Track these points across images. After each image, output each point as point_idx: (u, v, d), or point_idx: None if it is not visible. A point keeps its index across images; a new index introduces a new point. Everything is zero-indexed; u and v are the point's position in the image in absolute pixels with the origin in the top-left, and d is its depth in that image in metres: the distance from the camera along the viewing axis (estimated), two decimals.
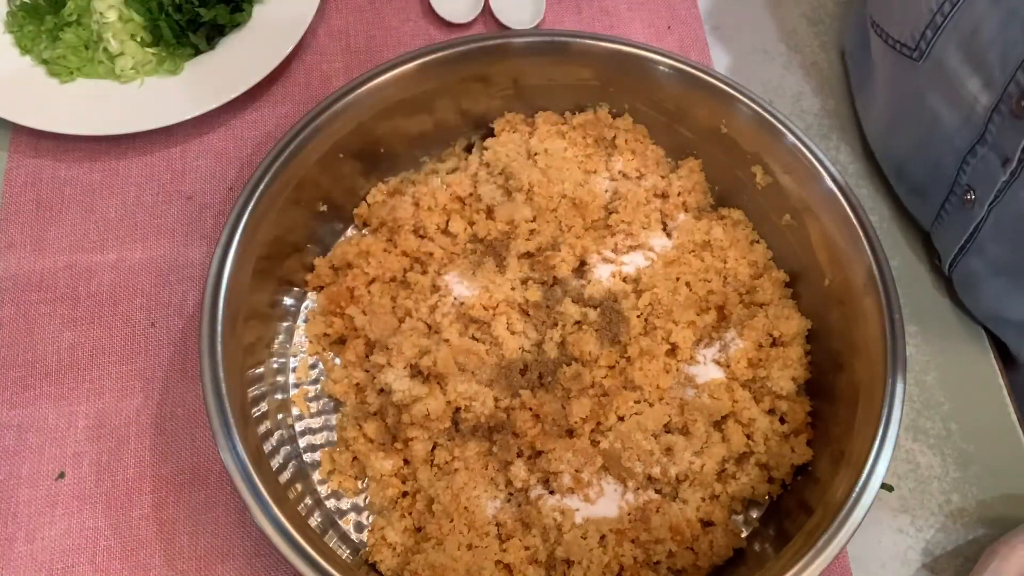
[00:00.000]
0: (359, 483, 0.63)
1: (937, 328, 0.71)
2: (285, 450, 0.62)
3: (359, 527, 0.62)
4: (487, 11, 0.82)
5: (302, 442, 0.64)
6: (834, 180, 0.63)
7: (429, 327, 0.64)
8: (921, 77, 0.66)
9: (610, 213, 0.69)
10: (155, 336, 0.67)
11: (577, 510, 0.60)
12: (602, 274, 0.67)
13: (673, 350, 0.64)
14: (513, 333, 0.64)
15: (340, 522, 0.61)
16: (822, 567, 0.52)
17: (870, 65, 0.75)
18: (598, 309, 0.65)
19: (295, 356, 0.67)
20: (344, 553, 0.59)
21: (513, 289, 0.65)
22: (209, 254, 0.59)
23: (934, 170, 0.69)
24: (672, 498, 0.61)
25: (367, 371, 0.64)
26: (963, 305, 0.71)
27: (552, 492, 0.61)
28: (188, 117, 0.72)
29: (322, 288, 0.68)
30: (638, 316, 0.64)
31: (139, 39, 0.74)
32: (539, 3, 0.81)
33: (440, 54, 0.67)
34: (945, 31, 0.62)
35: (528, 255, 0.67)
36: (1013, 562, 0.56)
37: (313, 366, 0.67)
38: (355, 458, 0.62)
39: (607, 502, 0.61)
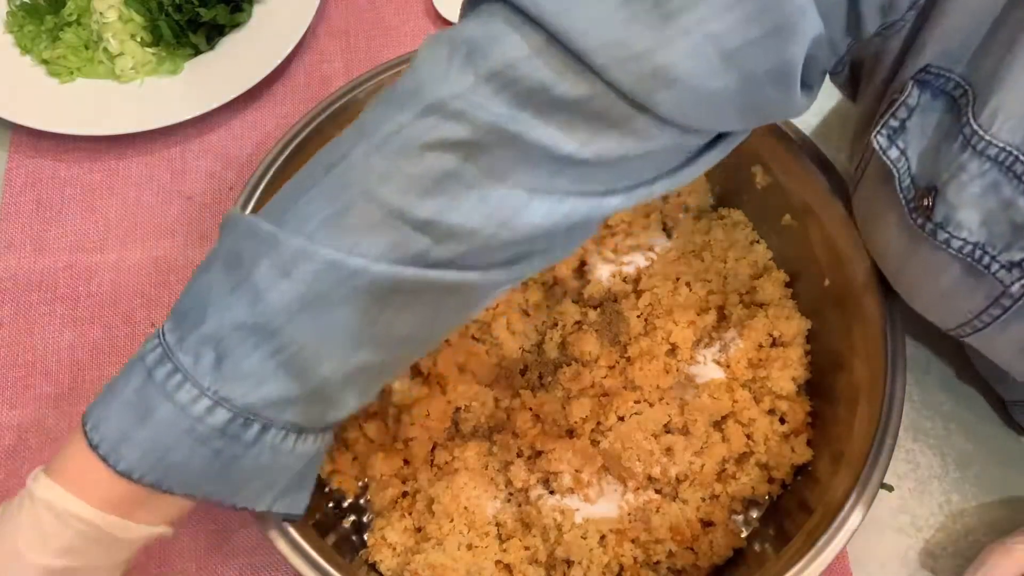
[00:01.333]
0: (359, 483, 0.63)
1: (937, 328, 0.71)
2: None
3: (359, 527, 0.62)
4: None
5: None
6: (834, 180, 0.63)
7: None
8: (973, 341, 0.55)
9: None
10: None
11: (577, 510, 0.60)
12: (602, 274, 0.67)
13: (673, 350, 0.64)
14: (513, 333, 0.64)
15: (340, 522, 0.61)
16: (822, 567, 0.52)
17: None
18: (598, 309, 0.65)
19: None
20: (344, 553, 0.59)
21: (513, 289, 0.65)
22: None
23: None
24: (672, 498, 0.61)
25: None
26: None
27: (552, 492, 0.61)
28: (188, 117, 0.72)
29: None
30: (638, 316, 0.64)
31: (139, 39, 0.74)
32: None
33: None
34: (990, 331, 0.51)
35: None
36: (1010, 564, 0.56)
37: None
38: (355, 458, 0.62)
39: (607, 502, 0.61)
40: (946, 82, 0.47)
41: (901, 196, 0.50)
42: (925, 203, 0.49)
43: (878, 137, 0.50)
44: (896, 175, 0.50)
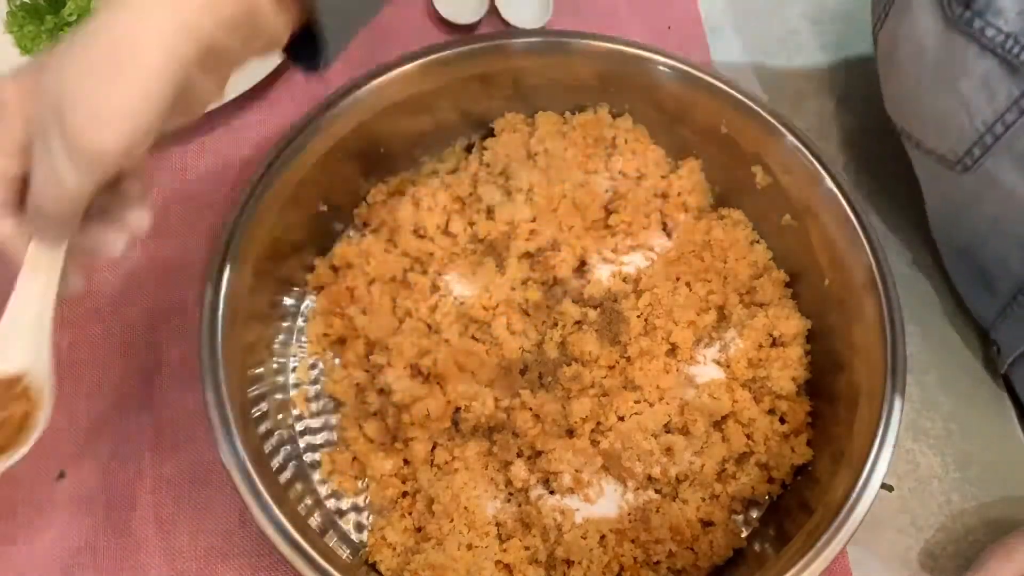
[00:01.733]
0: (359, 483, 0.63)
1: (937, 328, 0.71)
2: (285, 450, 0.62)
3: (359, 527, 0.62)
4: (491, 13, 0.82)
5: (302, 442, 0.64)
6: (834, 180, 0.63)
7: (429, 327, 0.64)
8: (970, 184, 0.59)
9: (610, 213, 0.69)
10: (155, 336, 0.67)
11: (577, 510, 0.60)
12: (602, 274, 0.67)
13: (673, 350, 0.64)
14: (513, 333, 0.64)
15: (340, 522, 0.61)
16: (822, 567, 0.52)
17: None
18: (598, 309, 0.65)
19: (295, 356, 0.67)
20: (344, 553, 0.59)
21: (513, 289, 0.65)
22: (209, 254, 0.59)
23: (1002, 264, 0.62)
24: (672, 498, 0.61)
25: (367, 371, 0.64)
26: (963, 305, 0.71)
27: (552, 492, 0.61)
28: None
29: (322, 288, 0.68)
30: (638, 316, 0.64)
31: None
32: (546, 2, 0.81)
33: (440, 54, 0.67)
34: (996, 149, 0.55)
35: (528, 255, 0.67)
36: (1010, 565, 0.56)
37: (313, 366, 0.66)
38: (355, 458, 0.62)
39: (607, 502, 0.61)
40: None
41: None
42: None
43: None
44: None
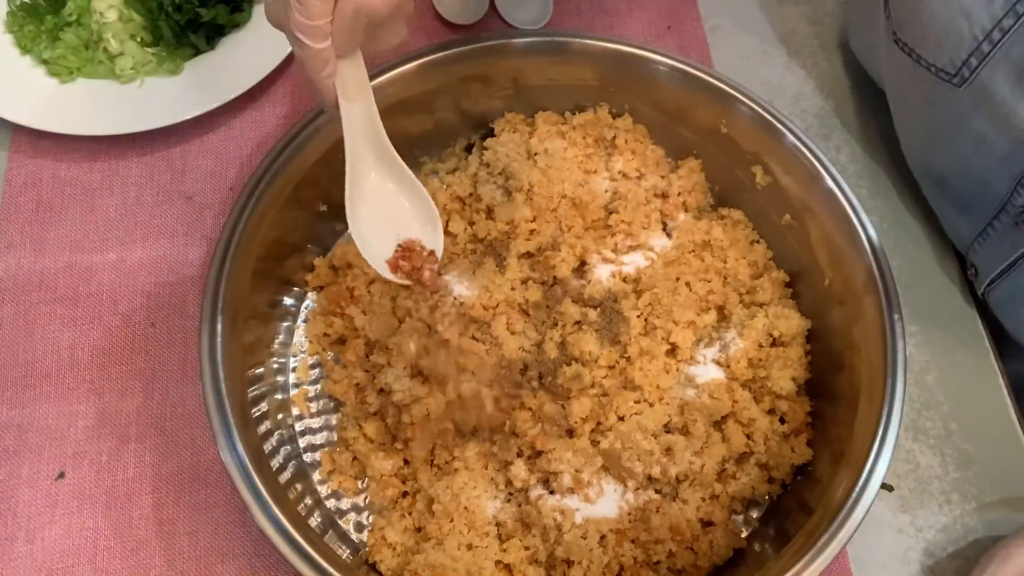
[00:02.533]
0: (359, 483, 0.63)
1: (937, 328, 0.71)
2: (285, 450, 0.62)
3: (359, 527, 0.62)
4: (491, 13, 0.82)
5: (302, 442, 0.64)
6: (834, 180, 0.63)
7: (429, 327, 0.64)
8: (963, 101, 0.61)
9: (610, 213, 0.69)
10: (155, 336, 0.67)
11: (577, 510, 0.60)
12: (602, 274, 0.67)
13: (673, 350, 0.64)
14: (513, 333, 0.64)
15: (340, 522, 0.61)
16: (822, 567, 0.52)
17: (895, 74, 0.70)
18: (598, 309, 0.65)
19: (295, 356, 0.67)
20: (344, 553, 0.59)
21: (513, 289, 0.65)
22: (209, 254, 0.59)
23: (981, 187, 0.64)
24: (672, 498, 0.61)
25: (367, 371, 0.64)
26: (964, 305, 0.71)
27: (552, 492, 0.61)
28: (188, 117, 0.72)
29: (322, 288, 0.68)
30: (638, 316, 0.64)
31: (139, 39, 0.74)
32: (546, 2, 0.81)
33: (440, 54, 0.67)
34: (993, 59, 0.56)
35: (528, 255, 0.67)
36: (1009, 565, 0.56)
37: (313, 366, 0.66)
38: (355, 458, 0.62)
39: (607, 502, 0.61)
40: None
41: None
42: None
43: None
44: None
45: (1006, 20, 0.54)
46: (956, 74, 0.58)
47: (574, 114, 0.72)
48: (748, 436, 0.62)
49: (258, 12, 0.78)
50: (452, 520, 0.58)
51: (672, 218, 0.70)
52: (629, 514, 0.60)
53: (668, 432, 0.62)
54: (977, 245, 0.68)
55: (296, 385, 0.66)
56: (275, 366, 0.65)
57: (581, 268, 0.68)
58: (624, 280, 0.67)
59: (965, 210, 0.68)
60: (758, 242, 0.70)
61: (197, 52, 0.75)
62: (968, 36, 0.57)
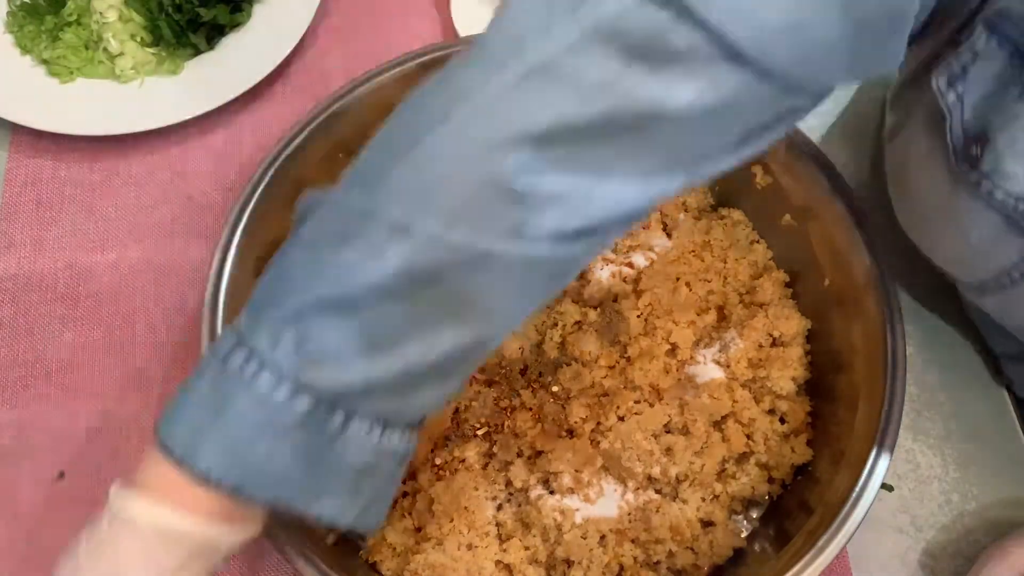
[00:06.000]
0: None
1: (937, 328, 0.71)
2: None
3: None
4: None
5: None
6: (834, 180, 0.63)
7: None
8: (991, 302, 0.56)
9: None
10: (155, 336, 0.67)
11: (577, 510, 0.60)
12: (602, 274, 0.67)
13: (673, 350, 0.64)
14: (513, 333, 0.64)
15: None
16: (822, 567, 0.52)
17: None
18: (598, 309, 0.65)
19: None
20: (344, 553, 0.59)
21: None
22: (209, 254, 0.59)
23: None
24: (672, 498, 0.61)
25: None
26: (963, 305, 0.71)
27: (552, 492, 0.61)
28: (188, 117, 0.72)
29: None
30: (638, 316, 0.64)
31: (139, 39, 0.74)
32: None
33: (440, 54, 0.67)
34: (1016, 285, 0.52)
35: None
36: (1008, 565, 0.56)
37: None
38: None
39: (607, 502, 0.61)
40: (1014, 27, 0.46)
41: (950, 143, 0.50)
42: (973, 151, 0.49)
43: (938, 80, 0.50)
44: (948, 121, 0.49)
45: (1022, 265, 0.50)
46: (976, 287, 0.55)
47: None
48: (748, 436, 0.62)
49: (258, 12, 0.78)
50: (452, 520, 0.58)
51: (672, 218, 0.70)
52: (629, 514, 0.60)
53: (668, 432, 0.62)
54: (1015, 365, 0.67)
55: None
56: None
57: None
58: (624, 280, 0.67)
59: (1007, 336, 0.63)
60: (758, 242, 0.70)
61: (197, 52, 0.75)
62: (983, 269, 0.53)
